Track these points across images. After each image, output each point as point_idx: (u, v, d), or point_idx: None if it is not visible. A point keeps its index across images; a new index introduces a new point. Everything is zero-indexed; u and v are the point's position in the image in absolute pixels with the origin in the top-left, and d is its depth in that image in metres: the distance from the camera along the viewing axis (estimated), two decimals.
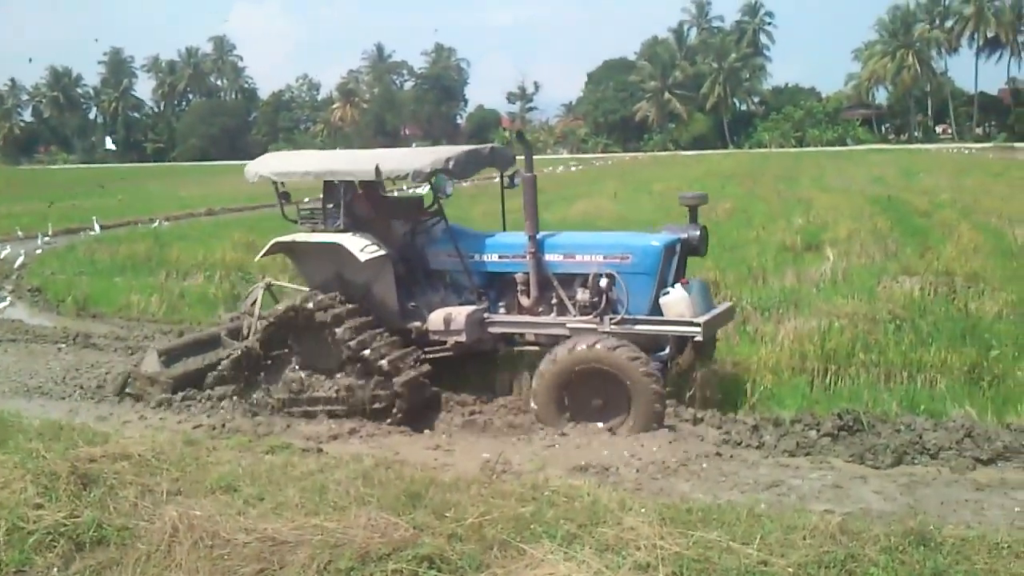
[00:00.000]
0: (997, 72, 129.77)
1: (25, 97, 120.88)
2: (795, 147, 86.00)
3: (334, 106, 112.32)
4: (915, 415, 7.14)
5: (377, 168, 7.80)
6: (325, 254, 8.16)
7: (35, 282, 15.55)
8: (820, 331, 9.14)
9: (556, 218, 18.42)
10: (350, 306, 7.97)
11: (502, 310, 8.14)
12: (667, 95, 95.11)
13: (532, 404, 7.34)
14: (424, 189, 9.49)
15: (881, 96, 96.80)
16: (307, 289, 8.46)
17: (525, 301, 7.95)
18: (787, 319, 10.12)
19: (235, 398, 8.15)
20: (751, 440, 6.92)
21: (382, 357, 7.62)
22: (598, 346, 7.05)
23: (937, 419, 7.01)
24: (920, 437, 6.67)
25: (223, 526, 4.92)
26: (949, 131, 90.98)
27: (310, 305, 7.84)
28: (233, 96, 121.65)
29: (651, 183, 34.92)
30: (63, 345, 11.22)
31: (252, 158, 9.29)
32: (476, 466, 6.44)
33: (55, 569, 4.75)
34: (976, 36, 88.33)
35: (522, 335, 8.14)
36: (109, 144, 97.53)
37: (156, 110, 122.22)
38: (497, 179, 8.63)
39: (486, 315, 8.00)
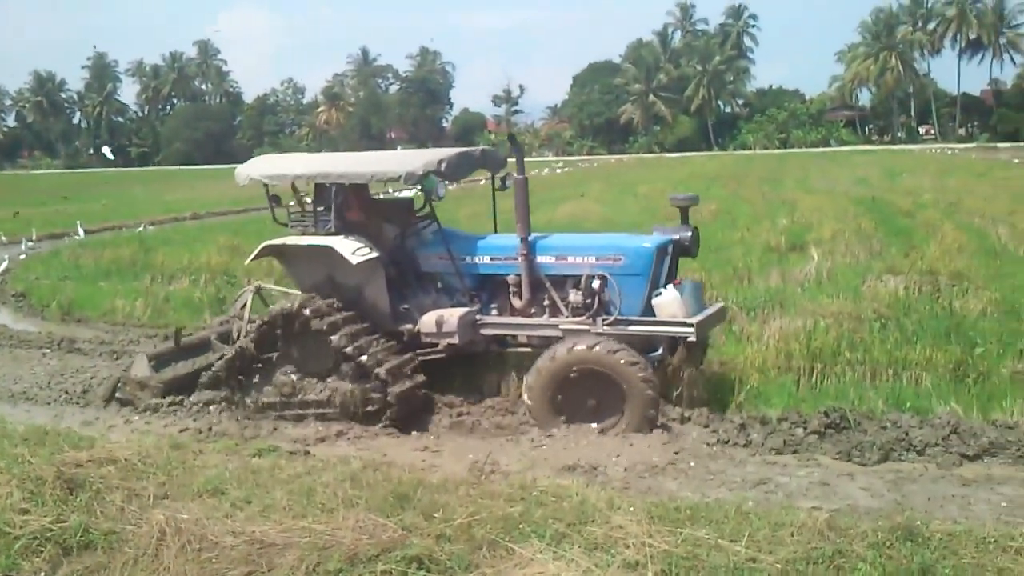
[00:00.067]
0: (979, 73, 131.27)
1: (8, 102, 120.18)
2: (779, 149, 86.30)
3: (319, 110, 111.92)
4: (901, 412, 7.18)
5: (371, 172, 7.78)
6: (316, 257, 8.11)
7: (19, 287, 15.45)
8: (806, 330, 9.18)
9: (543, 220, 18.39)
10: (346, 313, 7.93)
11: (494, 312, 8.14)
12: (652, 97, 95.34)
13: (526, 399, 7.33)
14: (414, 191, 9.47)
15: (864, 98, 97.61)
16: (295, 292, 8.43)
17: (517, 303, 7.95)
18: (773, 319, 10.14)
19: (223, 403, 8.11)
20: (738, 438, 6.95)
21: (379, 364, 7.59)
22: (597, 348, 7.06)
23: (923, 416, 7.06)
24: (906, 434, 6.71)
25: (211, 529, 4.91)
26: (932, 132, 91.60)
27: (307, 311, 7.81)
28: (218, 100, 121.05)
29: (636, 185, 35.00)
30: (48, 350, 11.15)
31: (237, 162, 9.28)
32: (464, 467, 6.45)
33: (42, 574, 4.72)
34: (958, 38, 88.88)
35: (514, 337, 8.12)
36: (108, 154, 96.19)
37: (140, 114, 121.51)
38: (483, 181, 8.61)
39: (478, 317, 7.99)
